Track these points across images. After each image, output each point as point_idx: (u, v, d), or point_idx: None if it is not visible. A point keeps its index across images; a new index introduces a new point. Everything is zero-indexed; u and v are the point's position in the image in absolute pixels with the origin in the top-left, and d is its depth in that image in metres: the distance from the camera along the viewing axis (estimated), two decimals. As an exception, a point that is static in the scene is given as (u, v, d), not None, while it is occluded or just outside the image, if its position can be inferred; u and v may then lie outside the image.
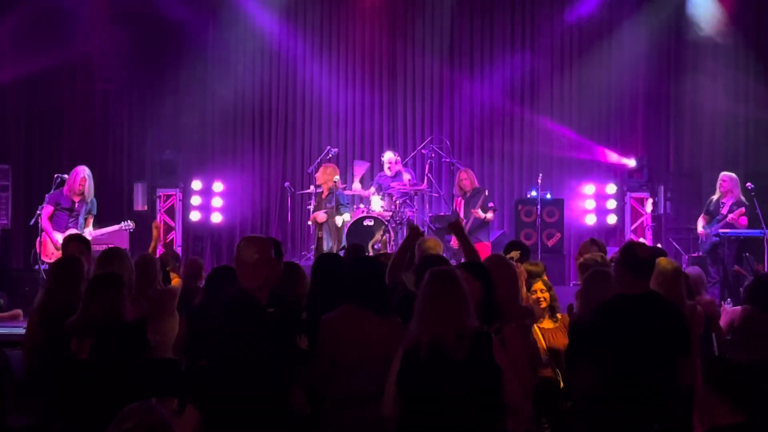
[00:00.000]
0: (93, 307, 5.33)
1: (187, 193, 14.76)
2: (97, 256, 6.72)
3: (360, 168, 14.04)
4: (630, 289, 5.39)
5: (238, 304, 4.98)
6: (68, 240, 7.80)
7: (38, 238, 11.30)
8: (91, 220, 11.32)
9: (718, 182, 12.43)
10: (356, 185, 13.88)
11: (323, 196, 12.90)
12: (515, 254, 7.92)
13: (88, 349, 5.22)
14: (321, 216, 12.78)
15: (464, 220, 12.39)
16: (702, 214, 12.60)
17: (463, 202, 12.73)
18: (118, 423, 3.56)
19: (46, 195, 11.41)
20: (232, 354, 4.83)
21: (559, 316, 6.99)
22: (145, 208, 14.34)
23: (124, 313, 5.42)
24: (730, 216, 12.02)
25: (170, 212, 14.44)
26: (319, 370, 5.46)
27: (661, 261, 6.44)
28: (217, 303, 5.69)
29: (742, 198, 12.21)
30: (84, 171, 11.26)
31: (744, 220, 12.08)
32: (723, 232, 12.08)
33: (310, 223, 13.10)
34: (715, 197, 12.42)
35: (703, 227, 12.37)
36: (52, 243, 11.00)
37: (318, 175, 13.00)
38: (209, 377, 4.92)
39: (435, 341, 4.62)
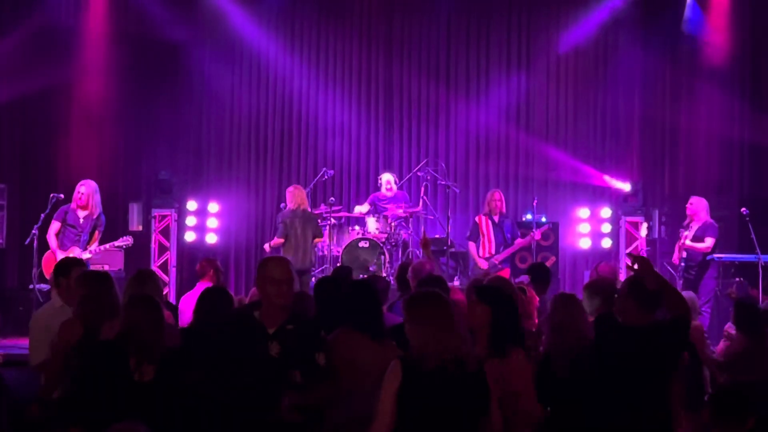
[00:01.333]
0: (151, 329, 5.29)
1: (182, 213, 14.71)
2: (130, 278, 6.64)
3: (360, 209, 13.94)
4: (635, 320, 5.45)
5: (241, 323, 4.99)
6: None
7: (40, 258, 11.23)
8: (98, 236, 11.25)
9: (687, 205, 12.44)
10: (357, 209, 13.86)
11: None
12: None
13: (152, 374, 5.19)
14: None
15: (491, 243, 12.34)
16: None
17: (490, 222, 12.54)
18: None
19: (42, 214, 11.36)
20: (232, 372, 4.83)
21: None
22: (141, 228, 14.29)
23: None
24: (682, 242, 11.97)
25: (165, 232, 14.38)
26: (323, 391, 5.44)
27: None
28: (210, 324, 5.70)
29: (710, 221, 12.14)
30: (85, 183, 11.21)
31: (701, 245, 11.95)
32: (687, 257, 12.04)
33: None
34: (686, 221, 12.41)
35: (678, 253, 12.31)
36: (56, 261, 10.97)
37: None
38: (206, 396, 4.92)
39: (460, 356, 4.67)
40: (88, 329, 5.81)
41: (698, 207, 12.22)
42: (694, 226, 12.10)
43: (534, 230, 12.80)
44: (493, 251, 12.29)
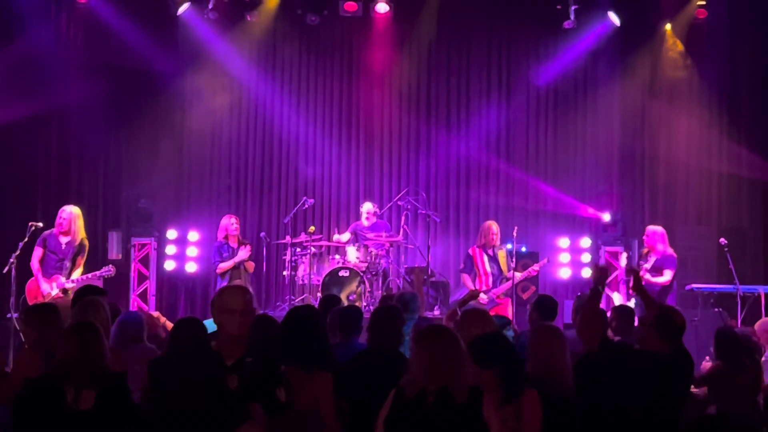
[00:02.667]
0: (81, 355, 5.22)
1: (162, 242, 14.66)
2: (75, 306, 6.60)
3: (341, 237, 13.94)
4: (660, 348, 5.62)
5: (200, 355, 4.97)
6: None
7: (20, 285, 11.17)
8: (81, 262, 11.22)
9: (644, 236, 12.44)
10: (336, 237, 13.87)
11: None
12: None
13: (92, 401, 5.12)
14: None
15: (487, 275, 12.29)
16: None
17: (484, 255, 12.45)
18: None
19: (20, 243, 11.29)
20: (190, 404, 4.80)
21: None
22: (120, 256, 14.23)
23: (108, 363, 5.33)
24: (641, 274, 11.67)
25: (144, 261, 14.33)
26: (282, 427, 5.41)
27: None
28: (179, 354, 5.66)
29: (668, 252, 12.11)
30: (68, 209, 11.20)
31: (660, 279, 11.90)
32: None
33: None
34: (644, 251, 12.41)
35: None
36: (41, 290, 10.92)
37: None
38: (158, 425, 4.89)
39: (449, 387, 4.74)
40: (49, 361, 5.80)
41: (655, 238, 12.17)
42: (652, 258, 12.06)
43: (536, 261, 12.75)
44: (490, 284, 12.21)
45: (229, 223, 12.99)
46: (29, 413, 5.09)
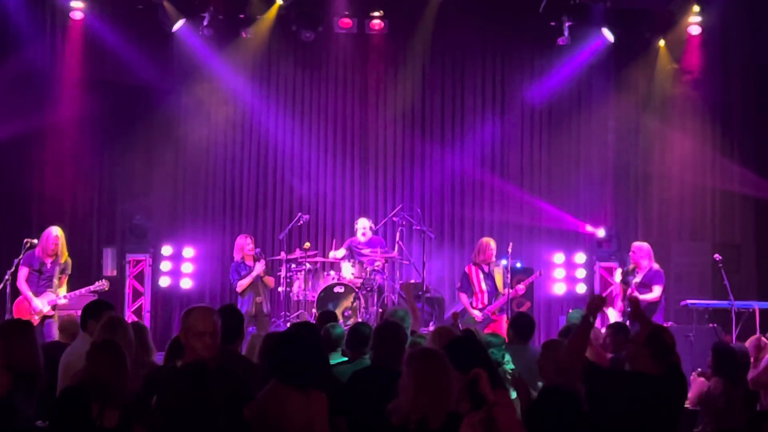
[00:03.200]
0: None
1: (156, 258, 14.66)
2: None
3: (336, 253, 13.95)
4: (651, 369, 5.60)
5: (198, 374, 4.95)
6: None
7: (12, 303, 11.21)
8: (65, 280, 11.33)
9: (630, 253, 12.43)
10: (333, 253, 13.87)
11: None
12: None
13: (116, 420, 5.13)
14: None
15: (483, 293, 12.27)
16: (620, 284, 12.60)
17: (480, 273, 12.43)
18: None
19: (15, 260, 11.34)
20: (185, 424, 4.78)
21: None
22: (115, 273, 14.22)
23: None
24: (629, 291, 11.75)
25: (139, 277, 14.33)
26: None
27: None
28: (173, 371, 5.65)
29: (655, 267, 12.09)
30: (56, 231, 11.31)
31: (649, 295, 11.85)
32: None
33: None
34: (630, 267, 12.39)
35: (622, 299, 12.26)
36: (32, 308, 10.95)
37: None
38: None
39: (426, 415, 4.70)
40: (17, 379, 5.78)
41: (641, 254, 12.14)
42: (639, 274, 12.05)
43: (521, 282, 12.73)
44: (486, 302, 12.19)
45: (245, 243, 13.12)
46: (55, 424, 5.11)
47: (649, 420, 5.49)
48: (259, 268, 12.87)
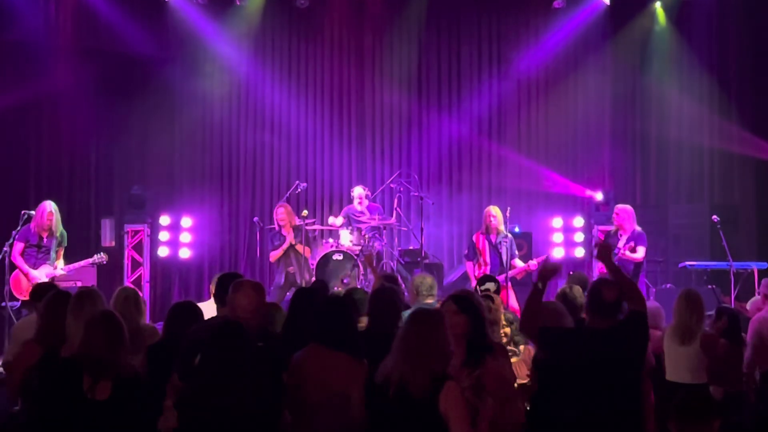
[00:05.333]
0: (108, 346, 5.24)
1: (155, 228, 14.65)
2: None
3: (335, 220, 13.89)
4: (597, 325, 5.60)
5: (230, 330, 4.98)
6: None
7: (10, 276, 11.23)
8: (62, 252, 11.36)
9: (613, 215, 12.40)
10: (331, 220, 13.84)
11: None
12: (491, 286, 7.95)
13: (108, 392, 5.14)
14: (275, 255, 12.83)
15: (487, 265, 12.19)
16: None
17: (486, 242, 12.29)
18: None
19: (13, 232, 11.36)
20: (223, 381, 4.79)
21: (521, 348, 7.01)
22: (113, 243, 14.23)
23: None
24: (621, 254, 11.68)
25: (138, 248, 14.34)
26: (287, 407, 5.43)
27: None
28: (191, 334, 5.66)
29: (638, 230, 12.02)
30: (50, 206, 11.29)
31: (636, 255, 11.81)
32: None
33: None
34: (613, 230, 12.35)
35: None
36: (28, 280, 10.97)
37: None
38: (193, 405, 4.87)
39: (403, 380, 4.69)
40: (48, 350, 5.80)
41: (624, 217, 12.08)
42: (623, 236, 12.02)
43: (529, 242, 12.66)
44: (488, 273, 12.11)
45: (276, 212, 12.97)
46: (43, 395, 5.13)
47: (600, 374, 5.46)
48: (289, 237, 12.76)
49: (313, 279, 12.23)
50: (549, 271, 5.80)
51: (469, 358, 5.05)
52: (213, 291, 6.61)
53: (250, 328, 5.20)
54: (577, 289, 7.23)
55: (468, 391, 4.93)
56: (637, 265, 11.82)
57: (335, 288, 12.11)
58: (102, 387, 5.08)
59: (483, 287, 7.84)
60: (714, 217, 12.49)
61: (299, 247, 12.76)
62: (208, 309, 6.60)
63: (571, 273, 9.75)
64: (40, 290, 7.13)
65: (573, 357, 5.56)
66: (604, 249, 5.98)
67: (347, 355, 5.43)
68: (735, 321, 8.06)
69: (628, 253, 11.74)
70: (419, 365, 4.67)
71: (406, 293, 8.73)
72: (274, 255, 12.83)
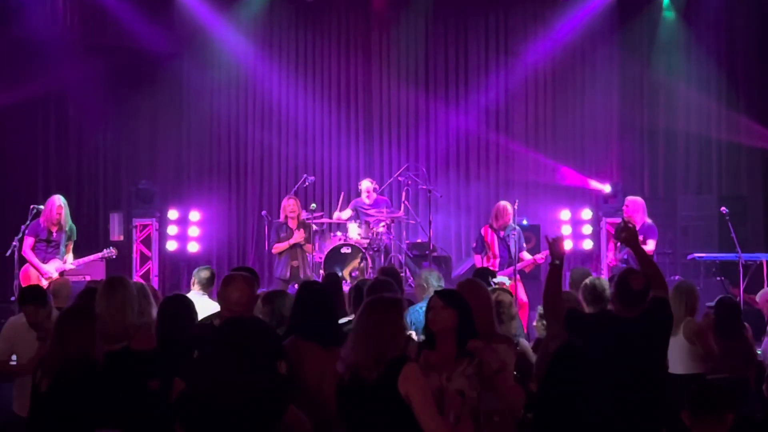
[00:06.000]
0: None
1: (163, 222, 14.68)
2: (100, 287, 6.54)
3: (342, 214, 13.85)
4: (623, 314, 5.75)
5: (245, 327, 5.00)
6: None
7: (20, 270, 11.25)
8: (71, 247, 11.36)
9: (623, 207, 12.34)
10: (337, 214, 13.80)
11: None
12: (505, 279, 7.96)
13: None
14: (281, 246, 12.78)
15: (496, 257, 12.18)
16: (612, 239, 12.56)
17: (495, 236, 12.17)
18: None
19: (22, 226, 11.37)
20: (231, 378, 4.80)
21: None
22: (122, 237, 14.25)
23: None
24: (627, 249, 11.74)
25: (146, 242, 14.36)
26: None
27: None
28: (179, 331, 5.68)
29: (648, 222, 11.97)
30: (59, 200, 11.29)
31: (645, 249, 11.73)
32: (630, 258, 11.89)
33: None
34: (623, 222, 12.21)
35: (614, 253, 12.17)
36: (41, 273, 10.99)
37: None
38: (199, 404, 4.87)
39: (354, 365, 4.71)
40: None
41: (635, 208, 11.99)
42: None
43: (536, 235, 12.64)
44: (497, 267, 11.98)
45: (287, 204, 12.85)
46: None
47: (627, 360, 5.61)
48: (298, 236, 12.66)
49: (321, 273, 12.26)
50: (559, 247, 5.87)
51: (462, 350, 5.06)
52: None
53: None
54: (604, 280, 7.30)
55: (467, 380, 4.93)
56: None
57: (344, 281, 12.15)
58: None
59: (497, 281, 7.84)
60: (722, 208, 12.44)
61: (306, 246, 12.73)
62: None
63: (572, 269, 9.72)
64: (28, 293, 7.16)
65: (603, 343, 5.69)
66: (630, 233, 6.08)
67: (324, 345, 5.44)
68: (728, 311, 8.11)
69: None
70: (369, 351, 4.67)
71: (412, 287, 8.74)
72: (278, 247, 12.77)
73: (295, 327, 5.58)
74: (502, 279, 10.89)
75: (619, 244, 11.81)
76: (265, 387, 4.85)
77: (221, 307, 5.54)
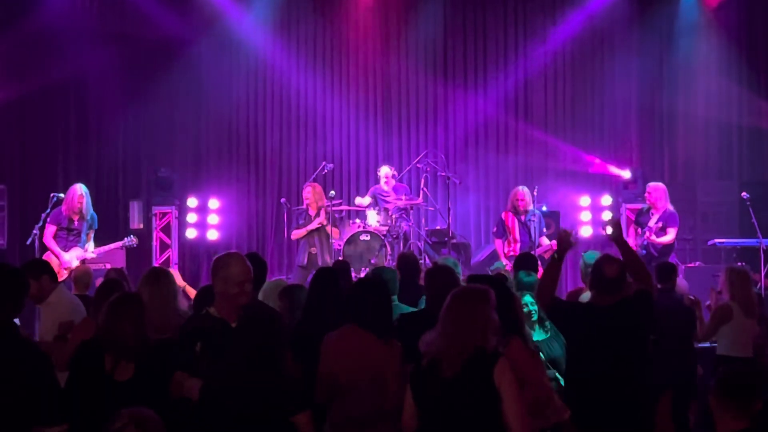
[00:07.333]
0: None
1: (182, 210, 14.74)
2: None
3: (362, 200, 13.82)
4: (600, 302, 5.86)
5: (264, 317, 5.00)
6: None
7: (42, 257, 11.30)
8: (92, 235, 11.43)
9: (645, 194, 12.32)
10: (359, 200, 13.78)
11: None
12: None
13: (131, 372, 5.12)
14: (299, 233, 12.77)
15: (517, 242, 12.19)
16: (632, 225, 12.53)
17: (516, 220, 12.33)
18: (110, 424, 3.72)
19: (42, 214, 11.45)
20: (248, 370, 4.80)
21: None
22: (141, 226, 14.32)
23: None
24: (648, 236, 11.69)
25: (166, 230, 14.42)
26: (320, 389, 5.44)
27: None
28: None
29: (670, 209, 11.96)
30: (81, 188, 11.36)
31: (665, 238, 11.76)
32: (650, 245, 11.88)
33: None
34: (644, 207, 12.28)
35: (634, 239, 12.03)
36: (61, 262, 11.05)
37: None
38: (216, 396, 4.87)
39: (437, 354, 4.67)
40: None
41: (657, 195, 12.01)
42: (655, 215, 11.94)
43: (556, 222, 12.64)
44: (518, 251, 11.95)
45: (307, 191, 12.89)
46: (75, 375, 5.15)
47: (605, 348, 5.70)
48: (317, 221, 12.72)
49: (338, 258, 12.26)
50: (565, 241, 5.88)
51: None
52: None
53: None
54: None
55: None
56: (666, 246, 11.75)
57: (363, 269, 12.15)
58: (124, 368, 5.10)
59: (492, 267, 7.83)
60: (743, 193, 12.39)
61: (329, 229, 12.74)
62: None
63: (584, 252, 9.69)
64: (33, 266, 7.16)
65: (580, 330, 5.81)
66: (616, 228, 6.13)
67: (382, 337, 5.42)
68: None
69: (655, 237, 11.68)
70: (456, 344, 4.65)
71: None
72: (297, 234, 12.79)
73: (352, 316, 5.53)
74: (498, 265, 10.87)
75: (639, 230, 11.83)
76: (276, 384, 4.85)
77: (221, 291, 5.31)
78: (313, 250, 12.67)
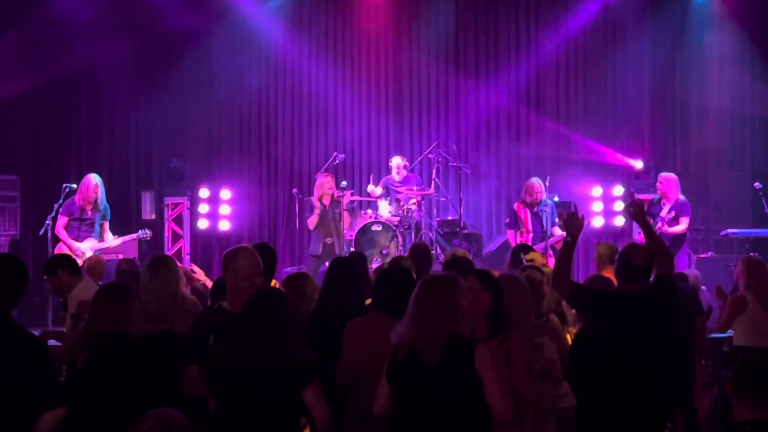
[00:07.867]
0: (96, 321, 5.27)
1: (194, 201, 14.76)
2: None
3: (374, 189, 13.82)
4: (627, 290, 5.75)
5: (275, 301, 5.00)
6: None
7: (54, 249, 11.36)
8: (106, 225, 11.46)
9: (657, 184, 12.30)
10: (371, 188, 13.77)
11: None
12: (536, 256, 7.91)
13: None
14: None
15: (529, 233, 12.19)
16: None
17: (528, 211, 12.37)
18: (138, 425, 3.68)
19: (55, 205, 11.50)
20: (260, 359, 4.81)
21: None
22: (153, 216, 14.37)
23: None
24: (660, 226, 11.66)
25: (178, 220, 14.46)
26: (341, 373, 5.47)
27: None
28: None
29: (682, 199, 11.96)
30: (95, 179, 11.39)
31: (677, 228, 11.77)
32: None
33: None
34: (656, 198, 12.27)
35: None
36: (72, 252, 11.07)
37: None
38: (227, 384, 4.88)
39: (413, 344, 4.67)
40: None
41: (668, 186, 12.02)
42: (667, 205, 11.94)
43: (569, 211, 12.58)
44: (530, 242, 11.92)
45: (324, 181, 12.85)
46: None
47: (633, 336, 5.60)
48: (325, 201, 12.67)
49: (352, 250, 12.26)
50: (574, 223, 5.84)
51: (493, 333, 5.05)
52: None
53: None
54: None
55: (500, 363, 4.91)
56: (678, 236, 11.75)
57: (375, 259, 12.17)
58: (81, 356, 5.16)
59: (528, 257, 7.80)
60: (756, 184, 12.38)
61: (346, 216, 12.73)
62: None
63: (598, 243, 9.67)
64: (48, 263, 7.39)
65: (605, 319, 5.68)
66: (637, 207, 6.05)
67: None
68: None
69: (667, 227, 11.67)
70: (428, 332, 4.65)
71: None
72: (312, 221, 12.79)
73: (377, 303, 5.61)
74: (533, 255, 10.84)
75: (651, 220, 11.79)
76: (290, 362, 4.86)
77: (232, 285, 5.43)
78: (329, 240, 12.66)
